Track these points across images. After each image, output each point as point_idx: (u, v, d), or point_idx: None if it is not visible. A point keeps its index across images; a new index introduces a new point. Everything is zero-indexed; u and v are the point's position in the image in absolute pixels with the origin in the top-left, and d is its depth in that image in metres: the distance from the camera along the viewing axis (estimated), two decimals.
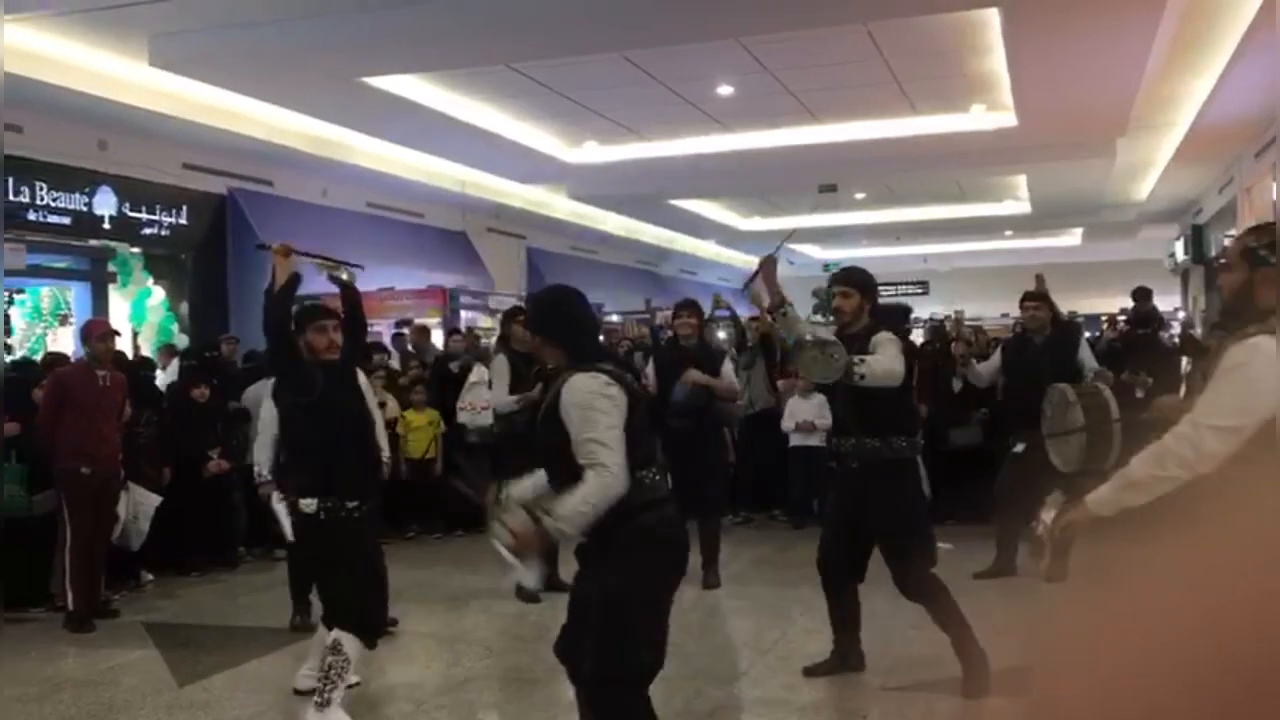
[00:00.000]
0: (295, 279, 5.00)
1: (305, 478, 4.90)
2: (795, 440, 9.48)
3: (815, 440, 9.07)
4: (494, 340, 10.25)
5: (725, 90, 11.40)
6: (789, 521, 9.66)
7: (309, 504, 4.80)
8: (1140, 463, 2.95)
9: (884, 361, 4.77)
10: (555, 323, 3.67)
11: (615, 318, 17.11)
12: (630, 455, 3.35)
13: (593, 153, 14.01)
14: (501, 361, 7.41)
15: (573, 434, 3.36)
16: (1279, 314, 2.85)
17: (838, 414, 5.25)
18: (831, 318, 5.59)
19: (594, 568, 3.50)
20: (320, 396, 4.88)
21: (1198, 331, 12.49)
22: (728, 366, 7.63)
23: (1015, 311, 8.04)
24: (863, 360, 4.72)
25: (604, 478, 3.27)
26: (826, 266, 22.01)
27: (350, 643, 4.79)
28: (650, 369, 7.79)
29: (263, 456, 6.41)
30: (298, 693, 5.34)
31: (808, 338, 4.88)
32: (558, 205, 17.43)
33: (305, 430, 4.96)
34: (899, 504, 4.95)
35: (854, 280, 5.19)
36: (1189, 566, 0.60)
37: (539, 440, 3.53)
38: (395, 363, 10.83)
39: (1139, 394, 7.99)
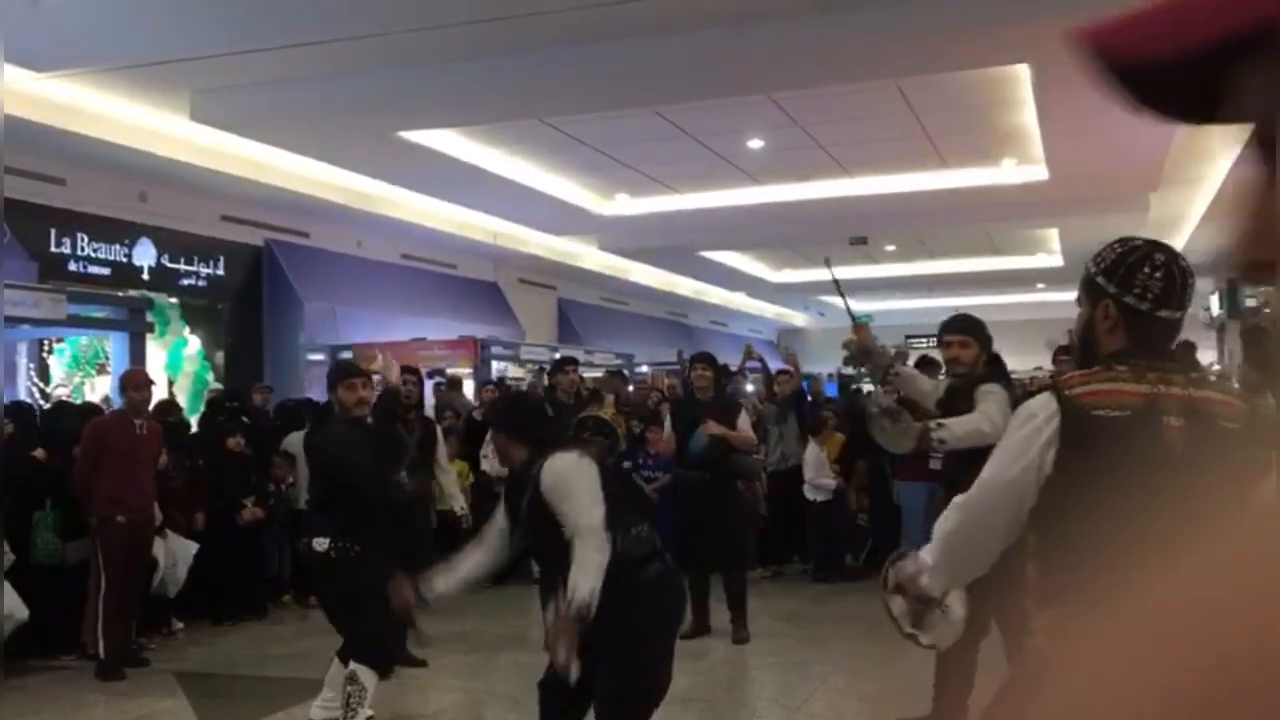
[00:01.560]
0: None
1: (320, 520, 5.33)
2: (810, 494, 9.51)
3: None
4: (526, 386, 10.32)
5: (756, 144, 11.48)
6: (813, 576, 9.64)
7: (321, 543, 5.21)
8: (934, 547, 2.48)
9: (968, 422, 4.43)
10: (516, 420, 4.05)
11: (645, 369, 17.13)
12: (613, 514, 3.65)
13: (624, 205, 14.12)
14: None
15: (556, 510, 3.67)
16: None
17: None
18: (868, 369, 5.49)
19: (600, 621, 3.63)
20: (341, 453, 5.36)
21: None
22: (744, 419, 7.66)
23: (1048, 364, 8.00)
24: (941, 425, 4.45)
25: (589, 540, 3.58)
26: (855, 318, 21.96)
27: (365, 674, 5.16)
28: (668, 423, 7.82)
29: None
30: None
31: (874, 409, 4.75)
32: (589, 257, 17.53)
33: (323, 479, 5.48)
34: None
35: (971, 329, 4.89)
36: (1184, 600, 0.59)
37: (527, 526, 3.83)
38: (429, 413, 10.87)
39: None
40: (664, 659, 3.79)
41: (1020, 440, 2.31)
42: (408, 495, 6.88)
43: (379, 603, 5.22)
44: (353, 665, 5.17)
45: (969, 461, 4.55)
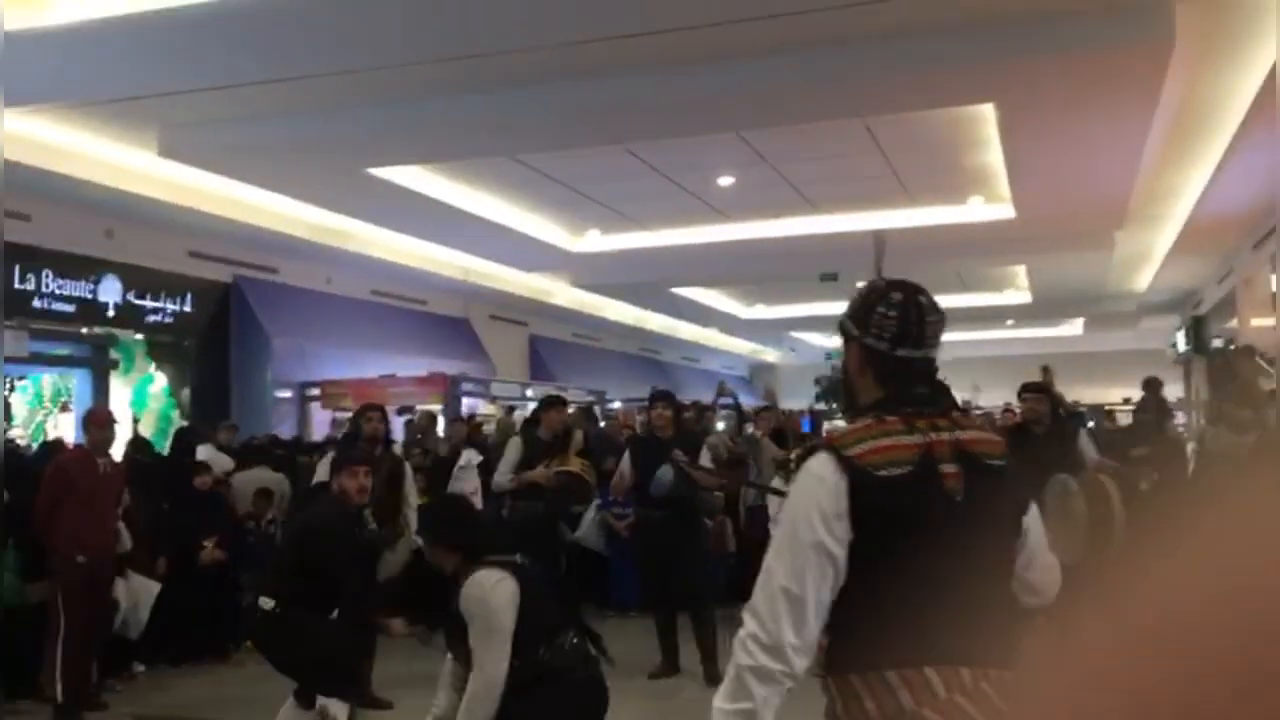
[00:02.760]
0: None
1: (274, 584, 5.18)
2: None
3: None
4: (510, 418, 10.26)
5: (726, 181, 11.53)
6: None
7: (267, 602, 5.07)
8: None
9: None
10: (445, 527, 4.16)
11: (617, 405, 17.10)
12: (535, 630, 3.86)
13: (595, 242, 14.13)
14: (515, 444, 7.53)
15: (470, 635, 3.86)
16: None
17: None
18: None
19: None
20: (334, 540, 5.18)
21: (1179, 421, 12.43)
22: (705, 456, 7.68)
23: (1016, 401, 8.02)
24: None
25: (480, 679, 3.79)
26: (829, 355, 22.04)
27: (336, 706, 5.08)
28: (625, 461, 7.74)
29: None
30: None
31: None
32: (560, 293, 17.53)
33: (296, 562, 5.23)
34: None
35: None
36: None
37: (447, 632, 4.07)
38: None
39: (1143, 486, 7.94)
40: None
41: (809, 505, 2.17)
42: (373, 542, 6.78)
43: (322, 636, 5.13)
44: (321, 700, 5.08)
45: None
